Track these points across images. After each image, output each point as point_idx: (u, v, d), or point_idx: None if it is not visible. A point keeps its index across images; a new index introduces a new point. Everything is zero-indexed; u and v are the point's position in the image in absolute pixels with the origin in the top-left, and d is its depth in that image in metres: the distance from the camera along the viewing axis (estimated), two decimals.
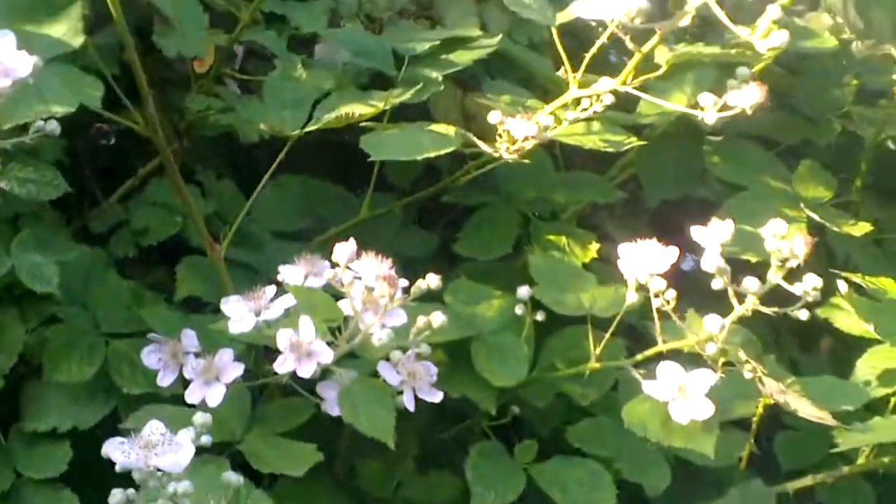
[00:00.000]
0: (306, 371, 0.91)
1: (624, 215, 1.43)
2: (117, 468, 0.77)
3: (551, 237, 1.20)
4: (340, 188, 1.32)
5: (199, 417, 0.79)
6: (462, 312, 1.06)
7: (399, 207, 1.26)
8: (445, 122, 1.34)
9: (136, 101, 1.10)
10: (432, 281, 0.93)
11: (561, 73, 1.25)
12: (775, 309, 0.93)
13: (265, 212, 1.25)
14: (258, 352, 1.04)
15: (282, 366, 0.91)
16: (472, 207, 1.26)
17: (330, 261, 0.97)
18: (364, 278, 0.93)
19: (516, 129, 1.03)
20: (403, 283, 0.93)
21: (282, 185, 1.27)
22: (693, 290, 1.05)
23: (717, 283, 0.94)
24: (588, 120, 1.14)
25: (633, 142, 1.15)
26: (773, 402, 1.00)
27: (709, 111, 1.03)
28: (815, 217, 1.21)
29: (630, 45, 0.98)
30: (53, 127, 0.91)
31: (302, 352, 0.91)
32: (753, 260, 1.07)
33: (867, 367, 1.08)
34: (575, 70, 1.08)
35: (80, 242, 1.19)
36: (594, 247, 1.20)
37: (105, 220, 1.23)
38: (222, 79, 1.28)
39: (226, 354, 0.98)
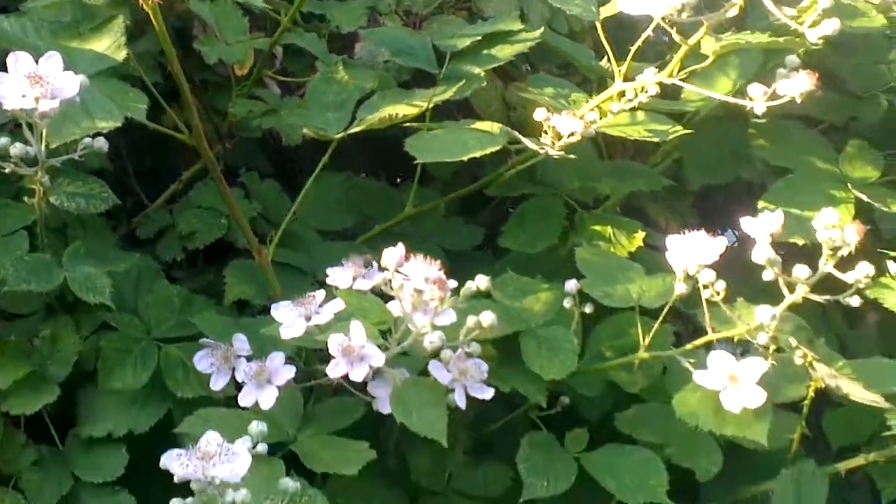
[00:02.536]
0: (358, 375, 0.92)
1: (668, 199, 1.42)
2: (175, 479, 0.78)
3: (596, 228, 1.19)
4: (384, 185, 1.32)
5: (255, 427, 0.81)
6: (510, 307, 1.06)
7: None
8: (486, 114, 1.35)
9: (177, 104, 1.11)
10: (481, 282, 0.93)
11: (603, 62, 1.25)
12: (826, 297, 0.93)
13: (310, 211, 1.26)
14: (309, 353, 1.05)
15: (334, 370, 0.92)
16: (516, 198, 1.26)
17: (378, 262, 0.98)
18: (413, 280, 0.94)
19: (562, 125, 1.03)
20: (452, 283, 0.94)
21: (325, 184, 1.28)
22: (734, 267, 1.04)
23: (768, 275, 0.93)
24: (632, 109, 1.13)
25: (678, 131, 1.15)
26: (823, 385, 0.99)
27: (758, 101, 1.02)
28: (864, 197, 1.19)
29: (677, 37, 0.97)
30: (101, 144, 0.92)
31: (353, 356, 0.91)
32: (801, 243, 1.06)
33: None
34: (619, 62, 1.07)
35: (128, 247, 1.21)
36: (640, 236, 1.19)
37: (151, 226, 1.24)
38: (263, 80, 1.29)
39: (277, 358, 0.99)
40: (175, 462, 0.77)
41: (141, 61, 1.13)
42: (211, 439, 0.78)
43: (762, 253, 0.92)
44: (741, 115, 1.28)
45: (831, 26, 0.99)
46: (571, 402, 1.13)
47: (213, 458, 0.77)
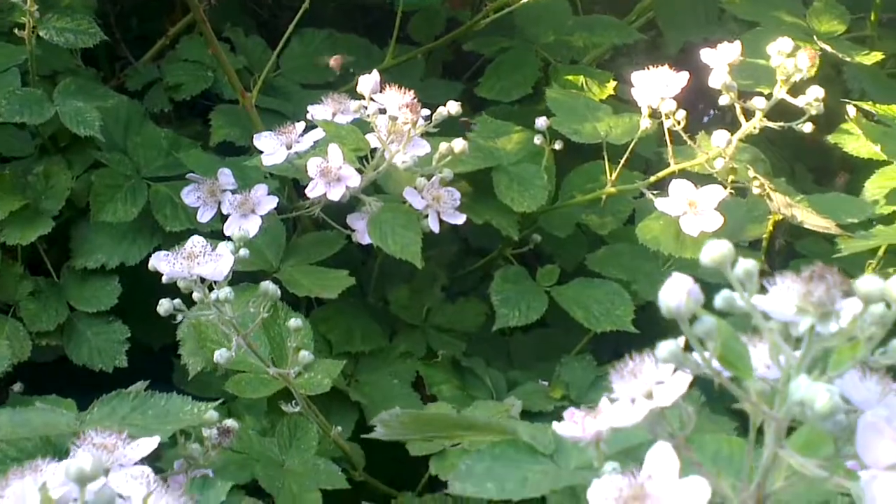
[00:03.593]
0: (336, 194, 0.96)
1: (643, 61, 1.46)
2: (164, 279, 0.83)
3: (570, 77, 1.23)
4: (365, 40, 1.36)
5: (238, 232, 0.85)
6: (484, 145, 1.11)
7: (422, 54, 1.30)
8: None
9: None
10: (452, 107, 0.97)
11: None
12: (781, 124, 0.97)
13: (293, 67, 1.30)
14: (290, 189, 1.10)
15: (312, 190, 0.97)
16: (494, 60, 1.29)
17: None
18: (389, 110, 0.98)
19: None
20: (425, 112, 0.98)
21: (308, 40, 1.32)
22: None
23: (723, 100, 0.97)
24: None
25: None
26: (781, 218, 1.04)
27: None
28: (829, 49, 1.23)
29: None
30: None
31: (331, 177, 0.96)
32: (766, 91, 1.10)
33: (875, 186, 1.12)
34: None
35: None
36: (611, 84, 1.23)
37: (139, 78, 1.28)
38: None
39: (261, 189, 1.04)
40: (163, 262, 0.82)
41: None
42: (196, 241, 0.83)
43: (718, 77, 0.96)
44: None
45: None
46: (545, 249, 1.18)
47: (197, 258, 0.82)
